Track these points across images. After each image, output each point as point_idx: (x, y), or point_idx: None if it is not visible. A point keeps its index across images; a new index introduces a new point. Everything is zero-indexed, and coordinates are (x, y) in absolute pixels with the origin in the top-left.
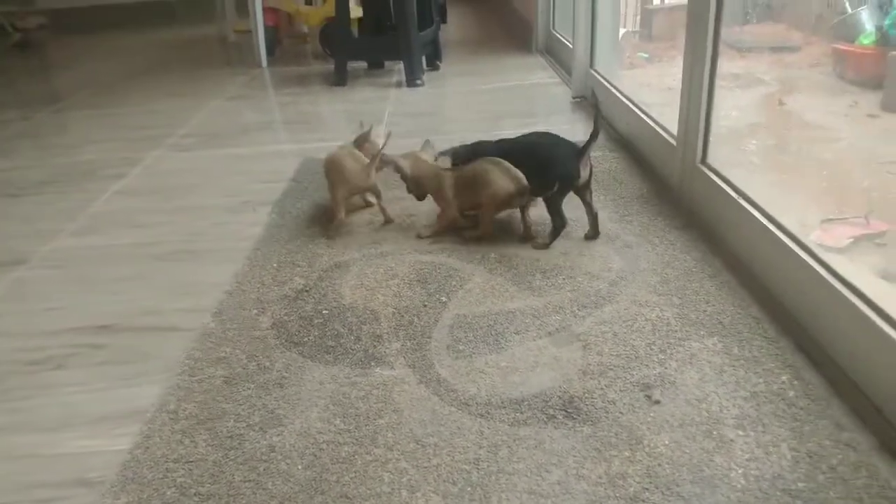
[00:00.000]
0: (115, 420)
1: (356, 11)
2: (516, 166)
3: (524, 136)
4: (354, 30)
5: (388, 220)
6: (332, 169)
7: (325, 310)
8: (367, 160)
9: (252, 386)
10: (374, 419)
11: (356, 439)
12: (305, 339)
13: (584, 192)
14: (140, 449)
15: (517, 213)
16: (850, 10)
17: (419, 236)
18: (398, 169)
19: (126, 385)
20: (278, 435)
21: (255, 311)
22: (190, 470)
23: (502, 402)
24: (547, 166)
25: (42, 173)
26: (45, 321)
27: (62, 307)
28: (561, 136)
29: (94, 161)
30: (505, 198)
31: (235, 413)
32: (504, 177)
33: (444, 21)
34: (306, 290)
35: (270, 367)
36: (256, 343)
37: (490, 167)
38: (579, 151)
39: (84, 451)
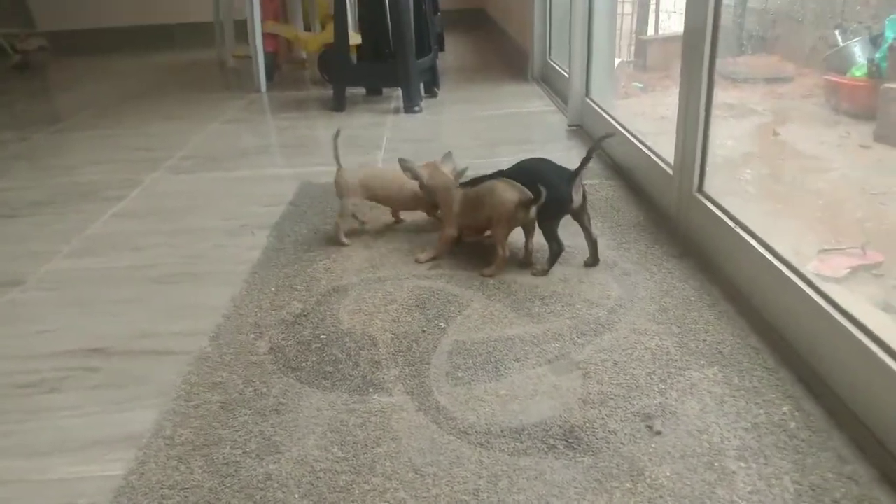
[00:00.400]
0: (109, 445)
1: (355, 38)
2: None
3: (517, 163)
4: (353, 56)
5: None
6: None
7: (323, 335)
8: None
9: (249, 412)
10: (373, 447)
11: (354, 468)
12: (303, 364)
13: (580, 216)
14: (135, 475)
15: (521, 239)
16: (841, 42)
17: (417, 261)
18: (416, 176)
19: (120, 409)
20: (275, 462)
21: (253, 336)
22: (185, 497)
23: (502, 431)
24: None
25: (39, 194)
26: (40, 344)
27: (57, 329)
28: (553, 161)
29: (92, 182)
30: (511, 208)
31: (232, 439)
32: (508, 189)
33: (441, 49)
34: (304, 315)
35: (267, 393)
36: (253, 368)
37: (495, 183)
38: (571, 176)
39: (76, 477)
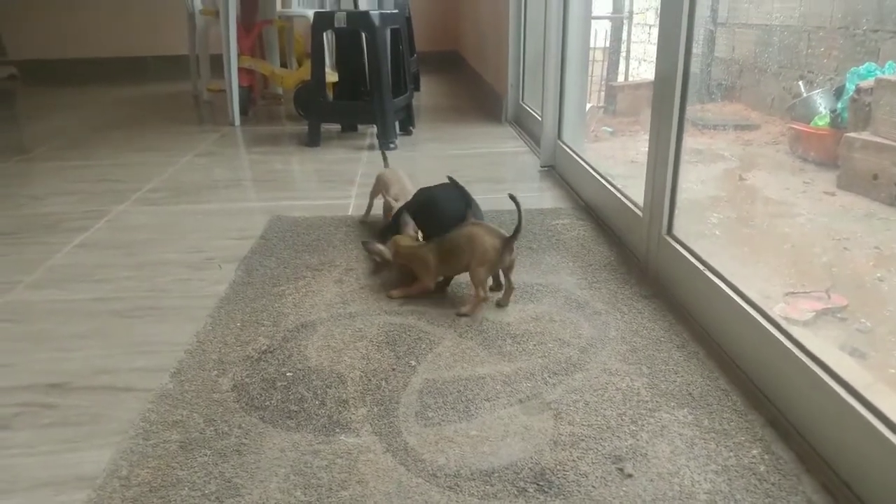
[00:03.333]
0: (60, 486)
1: (331, 76)
2: (422, 216)
3: (435, 189)
4: (329, 94)
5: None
6: None
7: (289, 372)
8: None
9: (209, 452)
10: (337, 491)
11: None
12: (267, 402)
13: None
14: None
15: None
16: (805, 93)
17: (390, 296)
18: (380, 256)
19: (74, 448)
20: None
21: (216, 373)
22: None
23: (472, 474)
24: (441, 218)
25: (1, 224)
26: None
27: (12, 364)
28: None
29: (56, 213)
30: (494, 256)
31: (190, 481)
32: (488, 234)
33: (417, 89)
34: (270, 351)
35: (229, 433)
36: (215, 406)
37: (474, 230)
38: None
39: None
